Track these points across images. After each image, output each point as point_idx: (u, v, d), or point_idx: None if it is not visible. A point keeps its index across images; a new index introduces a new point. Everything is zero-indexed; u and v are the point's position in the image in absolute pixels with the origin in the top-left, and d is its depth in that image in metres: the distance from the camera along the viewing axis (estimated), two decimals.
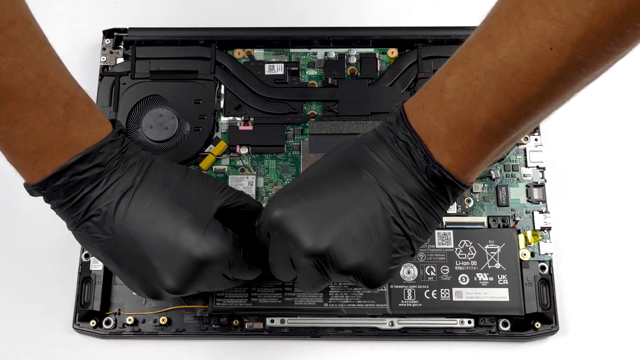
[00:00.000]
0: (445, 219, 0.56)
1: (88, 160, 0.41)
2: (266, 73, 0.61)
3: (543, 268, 0.55)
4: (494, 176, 0.58)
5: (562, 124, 0.62)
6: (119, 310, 0.55)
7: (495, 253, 0.55)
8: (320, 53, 0.62)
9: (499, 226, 0.57)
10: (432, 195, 0.41)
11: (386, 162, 0.41)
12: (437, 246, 0.55)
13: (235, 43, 0.62)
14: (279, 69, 0.61)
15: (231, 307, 0.54)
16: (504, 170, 0.58)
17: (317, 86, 0.61)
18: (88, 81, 0.61)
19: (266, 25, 0.63)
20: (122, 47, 0.62)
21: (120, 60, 0.62)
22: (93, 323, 0.54)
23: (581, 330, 0.56)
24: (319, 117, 0.60)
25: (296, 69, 0.61)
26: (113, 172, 0.42)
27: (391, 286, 0.54)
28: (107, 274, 0.56)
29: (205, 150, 0.59)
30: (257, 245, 0.46)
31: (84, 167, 0.41)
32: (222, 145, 0.59)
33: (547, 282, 0.55)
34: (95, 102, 0.60)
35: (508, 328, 0.54)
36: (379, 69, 0.61)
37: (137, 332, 0.55)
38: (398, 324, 0.54)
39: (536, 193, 0.58)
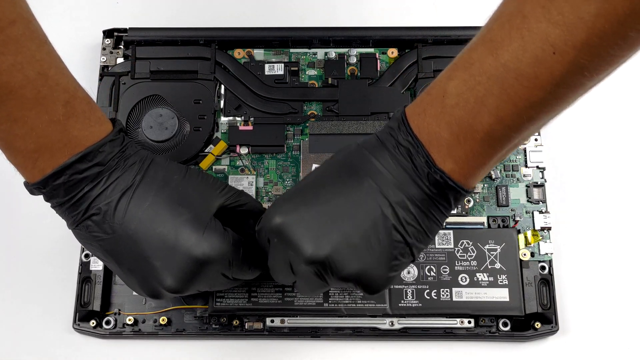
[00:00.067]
0: None
1: (88, 159, 0.41)
2: (266, 73, 0.61)
3: (543, 268, 0.55)
4: (493, 176, 0.58)
5: (562, 124, 0.62)
6: (119, 310, 0.55)
7: (495, 253, 0.55)
8: (320, 53, 0.62)
9: (499, 226, 0.57)
10: (434, 201, 0.41)
11: (387, 168, 0.41)
12: (437, 246, 0.55)
13: (235, 43, 0.62)
14: (279, 69, 0.61)
15: (231, 307, 0.54)
16: (504, 170, 0.58)
17: (317, 86, 0.61)
18: (88, 81, 0.61)
19: (266, 25, 0.63)
20: (122, 47, 0.62)
21: (120, 60, 0.62)
22: (93, 323, 0.54)
23: (581, 330, 0.56)
24: (319, 117, 0.60)
25: (296, 69, 0.62)
26: (113, 171, 0.42)
27: (391, 286, 0.54)
28: (107, 274, 0.56)
29: (205, 150, 0.59)
30: (256, 246, 0.46)
31: (84, 166, 0.41)
32: (222, 145, 0.59)
33: (547, 282, 0.55)
34: (96, 102, 0.60)
35: (508, 328, 0.54)
36: (379, 69, 0.61)
37: (137, 332, 0.55)
38: (398, 324, 0.54)
39: (536, 193, 0.58)
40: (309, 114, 0.60)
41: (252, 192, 0.57)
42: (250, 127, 0.60)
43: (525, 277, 0.55)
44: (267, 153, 0.59)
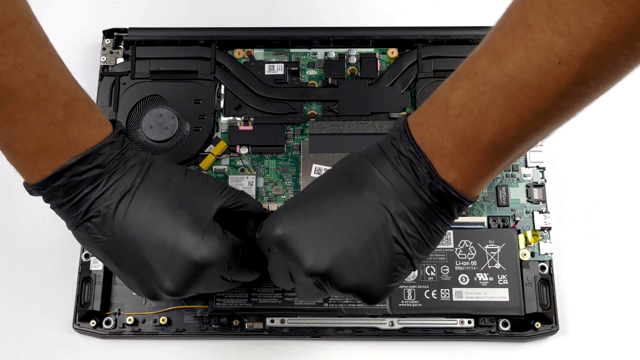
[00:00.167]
0: None
1: (88, 161, 0.41)
2: (266, 73, 0.61)
3: (543, 268, 0.55)
4: None
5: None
6: (119, 310, 0.55)
7: (495, 253, 0.55)
8: (320, 53, 0.62)
9: (499, 226, 0.57)
10: (436, 211, 0.40)
11: (389, 179, 0.40)
12: (437, 246, 0.55)
13: (235, 43, 0.62)
14: (279, 69, 0.61)
15: (231, 307, 0.54)
16: (504, 170, 0.58)
17: (317, 86, 0.61)
18: (88, 81, 0.61)
19: (266, 25, 0.63)
20: (122, 47, 0.62)
21: (120, 60, 0.62)
22: (93, 323, 0.54)
23: (581, 330, 0.56)
24: (319, 117, 0.60)
25: (296, 69, 0.61)
26: (113, 174, 0.42)
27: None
28: (107, 274, 0.56)
29: (205, 150, 0.59)
30: (256, 248, 0.46)
31: (84, 168, 0.40)
32: (222, 145, 0.59)
33: (547, 282, 0.55)
34: (95, 102, 0.60)
35: (508, 328, 0.54)
36: (379, 69, 0.61)
37: (137, 332, 0.55)
38: (398, 324, 0.54)
39: (536, 193, 0.58)
40: (309, 114, 0.60)
41: (252, 192, 0.57)
42: (250, 127, 0.60)
43: (525, 277, 0.55)
44: (267, 153, 0.59)
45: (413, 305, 0.54)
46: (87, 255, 0.56)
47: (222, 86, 0.61)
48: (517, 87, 0.34)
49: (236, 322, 0.54)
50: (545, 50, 0.32)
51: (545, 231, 0.56)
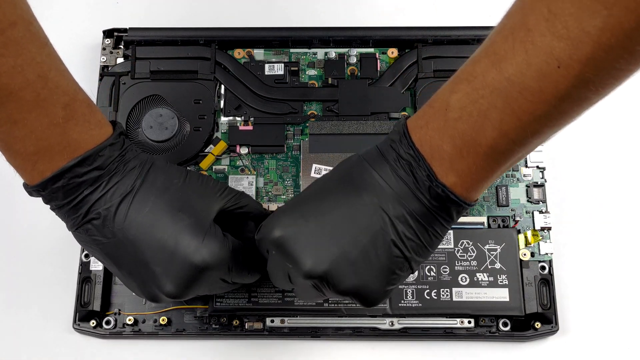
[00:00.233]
0: None
1: (87, 163, 0.40)
2: (266, 73, 0.61)
3: (543, 268, 0.55)
4: None
5: None
6: (119, 310, 0.55)
7: (495, 253, 0.55)
8: (320, 53, 0.62)
9: (499, 226, 0.57)
10: (435, 215, 0.40)
11: (388, 182, 0.40)
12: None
13: (235, 43, 0.62)
14: (279, 69, 0.61)
15: (231, 307, 0.54)
16: None
17: (317, 86, 0.61)
18: (88, 81, 0.61)
19: (266, 25, 0.63)
20: (122, 47, 0.62)
21: (120, 60, 0.62)
22: (93, 323, 0.54)
23: (581, 330, 0.56)
24: (319, 117, 0.60)
25: (296, 69, 0.61)
26: (113, 175, 0.42)
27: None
28: (107, 274, 0.56)
29: (205, 150, 0.59)
30: (256, 250, 0.46)
31: (83, 169, 0.40)
32: (222, 145, 0.59)
33: (547, 282, 0.55)
34: (95, 102, 0.60)
35: (508, 328, 0.54)
36: (379, 69, 0.61)
37: (137, 332, 0.55)
38: (398, 324, 0.54)
39: (536, 193, 0.58)
40: (309, 114, 0.60)
41: (252, 192, 0.57)
42: (250, 127, 0.60)
43: (525, 277, 0.55)
44: (267, 153, 0.59)
45: (413, 305, 0.54)
46: (87, 256, 0.56)
47: (222, 86, 0.61)
48: (517, 90, 0.34)
49: (236, 322, 0.54)
50: (545, 54, 0.32)
51: (545, 231, 0.56)
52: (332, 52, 0.62)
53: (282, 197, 0.58)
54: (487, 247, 0.55)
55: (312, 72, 0.62)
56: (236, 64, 0.61)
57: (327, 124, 0.59)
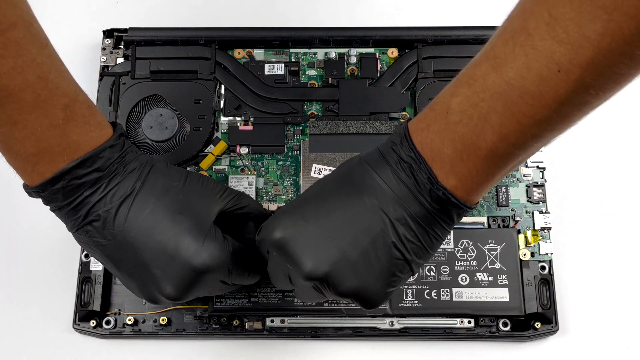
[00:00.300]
0: None
1: (87, 164, 0.40)
2: (266, 73, 0.61)
3: (543, 268, 0.55)
4: None
5: None
6: (119, 310, 0.55)
7: (495, 253, 0.55)
8: (320, 53, 0.62)
9: (499, 226, 0.57)
10: (435, 217, 0.40)
11: (388, 184, 0.40)
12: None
13: (235, 43, 0.62)
14: (279, 69, 0.61)
15: (231, 307, 0.54)
16: None
17: (317, 86, 0.61)
18: (88, 81, 0.61)
19: (266, 25, 0.63)
20: (122, 47, 0.62)
21: (120, 60, 0.62)
22: (93, 323, 0.54)
23: (581, 330, 0.56)
24: (319, 117, 0.60)
25: (296, 69, 0.61)
26: (113, 177, 0.42)
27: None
28: (107, 274, 0.56)
29: (205, 150, 0.59)
30: (256, 251, 0.46)
31: (83, 171, 0.40)
32: (222, 145, 0.59)
33: (547, 282, 0.55)
34: (95, 102, 0.60)
35: (508, 328, 0.54)
36: (379, 69, 0.61)
37: (137, 332, 0.55)
38: (398, 324, 0.54)
39: (536, 193, 0.58)
40: (309, 114, 0.60)
41: (252, 192, 0.57)
42: (250, 127, 0.60)
43: (525, 277, 0.55)
44: (267, 153, 0.59)
45: (413, 305, 0.54)
46: (87, 256, 0.56)
47: (222, 86, 0.61)
48: (517, 94, 0.34)
49: (236, 322, 0.54)
50: (545, 58, 0.32)
51: (545, 231, 0.56)
52: (332, 52, 0.62)
53: (282, 197, 0.58)
54: (487, 247, 0.55)
55: (312, 72, 0.62)
56: (236, 64, 0.61)
57: (327, 124, 0.59)
